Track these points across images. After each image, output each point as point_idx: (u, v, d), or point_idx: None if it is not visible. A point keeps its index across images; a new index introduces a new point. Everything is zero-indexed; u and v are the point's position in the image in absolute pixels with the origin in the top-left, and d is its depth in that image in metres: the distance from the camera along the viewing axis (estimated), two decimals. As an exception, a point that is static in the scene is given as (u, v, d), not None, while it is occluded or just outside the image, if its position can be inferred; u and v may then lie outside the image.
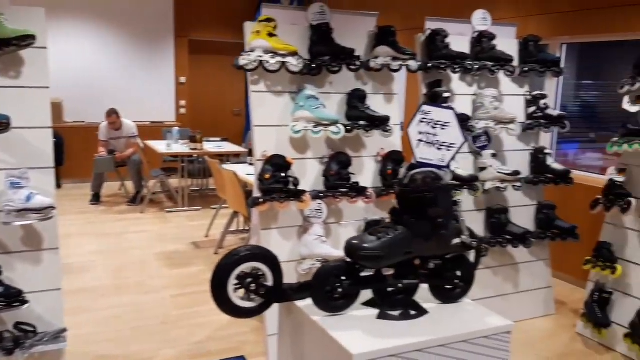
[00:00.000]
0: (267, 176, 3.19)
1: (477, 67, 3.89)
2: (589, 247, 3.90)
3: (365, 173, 3.62)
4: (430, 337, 1.65)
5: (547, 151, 4.14)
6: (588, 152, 6.05)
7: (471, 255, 1.89)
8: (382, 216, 3.61)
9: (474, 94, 3.99)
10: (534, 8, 5.05)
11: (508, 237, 3.93)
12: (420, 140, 1.79)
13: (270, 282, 1.77)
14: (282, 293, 1.80)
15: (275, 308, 1.92)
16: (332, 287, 1.75)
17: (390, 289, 1.80)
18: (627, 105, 3.77)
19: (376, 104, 3.61)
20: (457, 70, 3.85)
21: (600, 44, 5.07)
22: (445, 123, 1.76)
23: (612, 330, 3.74)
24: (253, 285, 1.74)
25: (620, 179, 3.77)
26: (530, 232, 3.99)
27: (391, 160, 3.62)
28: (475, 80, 4.03)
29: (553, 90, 5.15)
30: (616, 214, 3.78)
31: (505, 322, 1.73)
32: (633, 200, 3.64)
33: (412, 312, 1.77)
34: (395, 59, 3.57)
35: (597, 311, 3.78)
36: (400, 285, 1.79)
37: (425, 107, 1.78)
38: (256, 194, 3.27)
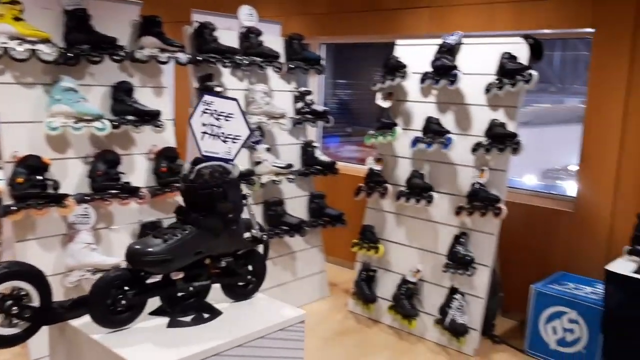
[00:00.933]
0: (20, 180, 2.77)
1: (247, 62, 3.92)
2: (356, 231, 4.24)
3: (137, 172, 3.38)
4: (227, 339, 1.57)
5: (314, 144, 4.38)
6: (347, 145, 6.59)
7: (260, 249, 1.87)
8: (158, 217, 3.41)
9: (246, 89, 4.02)
10: (295, 8, 5.29)
11: (285, 227, 4.05)
12: (205, 133, 1.70)
13: (36, 302, 1.50)
14: (52, 313, 1.55)
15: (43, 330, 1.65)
16: (114, 300, 1.56)
17: (180, 294, 1.67)
18: (380, 101, 4.17)
19: (145, 97, 3.41)
20: (228, 64, 3.83)
21: (351, 45, 5.53)
22: (229, 114, 1.70)
23: (378, 304, 4.11)
24: (15, 308, 1.46)
25: (378, 167, 4.15)
26: (304, 222, 4.17)
27: (165, 157, 3.46)
28: (245, 75, 4.05)
29: (316, 88, 5.46)
30: (376, 199, 4.16)
31: (298, 311, 1.75)
32: (389, 186, 4.05)
33: (206, 316, 1.68)
34: (162, 50, 3.41)
35: (365, 288, 4.12)
36: (191, 288, 1.68)
37: (208, 97, 1.69)
38: (7, 201, 2.81)
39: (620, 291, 3.08)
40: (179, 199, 3.31)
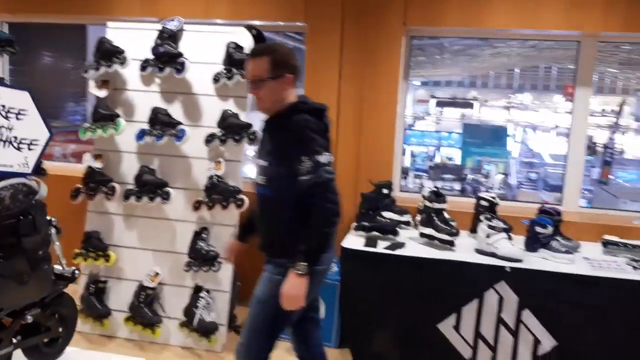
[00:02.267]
0: None
1: None
2: (75, 240, 3.66)
3: None
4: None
5: (12, 141, 3.59)
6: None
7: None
8: None
9: None
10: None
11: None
12: (-8, 139, 1.18)
13: None
14: None
15: None
16: None
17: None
18: (95, 90, 3.69)
19: None
20: None
21: (20, 25, 4.69)
22: (22, 110, 1.22)
23: (113, 318, 3.64)
24: None
25: (98, 165, 3.66)
26: (8, 237, 3.40)
27: None
28: None
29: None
30: (101, 200, 3.67)
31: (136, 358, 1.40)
32: (117, 185, 3.61)
33: (13, 395, 1.19)
34: None
35: (96, 303, 3.59)
36: (-12, 362, 1.17)
37: (-9, 90, 1.17)
38: None
39: (355, 264, 3.38)
40: None
